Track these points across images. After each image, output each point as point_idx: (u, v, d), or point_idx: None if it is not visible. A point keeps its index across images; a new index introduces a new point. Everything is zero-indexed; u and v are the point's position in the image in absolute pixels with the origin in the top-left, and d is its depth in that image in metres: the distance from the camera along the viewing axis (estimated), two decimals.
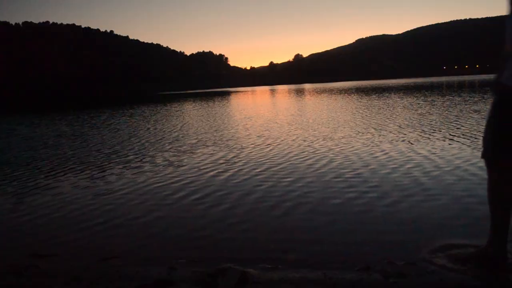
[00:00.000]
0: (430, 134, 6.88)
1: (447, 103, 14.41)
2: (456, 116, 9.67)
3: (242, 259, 2.27)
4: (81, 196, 3.97)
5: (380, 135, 7.16)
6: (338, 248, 2.40)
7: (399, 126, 8.25)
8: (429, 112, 11.02)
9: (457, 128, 7.47)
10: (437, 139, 6.32)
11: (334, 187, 3.77)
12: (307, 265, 2.17)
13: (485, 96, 17.17)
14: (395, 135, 7.03)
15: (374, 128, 8.15)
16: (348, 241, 2.49)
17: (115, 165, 5.63)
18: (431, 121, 8.81)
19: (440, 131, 7.24)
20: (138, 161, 5.84)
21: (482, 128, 7.11)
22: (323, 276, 2.01)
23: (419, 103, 15.07)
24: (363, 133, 7.56)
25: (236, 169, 4.84)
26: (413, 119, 9.57)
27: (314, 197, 3.50)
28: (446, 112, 10.95)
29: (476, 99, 15.60)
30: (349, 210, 3.09)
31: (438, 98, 17.40)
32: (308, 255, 2.31)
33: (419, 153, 5.24)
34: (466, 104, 13.08)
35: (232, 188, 3.97)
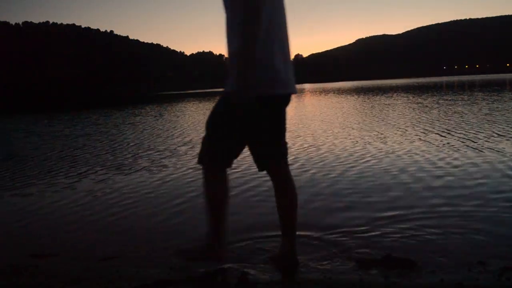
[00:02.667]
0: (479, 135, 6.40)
1: (463, 102, 14.38)
2: (488, 114, 9.62)
3: (242, 259, 2.27)
4: (83, 196, 3.96)
5: (418, 133, 6.90)
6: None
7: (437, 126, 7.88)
8: (457, 112, 10.66)
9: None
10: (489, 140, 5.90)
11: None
12: (307, 265, 2.17)
13: (500, 94, 17.28)
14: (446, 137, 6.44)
15: (408, 127, 7.92)
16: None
17: (130, 166, 5.50)
18: (469, 122, 8.43)
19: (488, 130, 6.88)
20: (166, 160, 5.68)
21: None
22: (323, 276, 2.01)
23: (443, 102, 15.02)
24: (405, 133, 7.17)
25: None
26: (450, 119, 9.11)
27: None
28: (477, 110, 10.90)
29: (493, 98, 15.61)
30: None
31: (454, 97, 17.38)
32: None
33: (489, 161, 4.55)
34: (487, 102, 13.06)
35: (255, 188, 3.86)
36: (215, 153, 1.96)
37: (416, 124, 8.41)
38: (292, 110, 15.51)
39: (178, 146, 7.07)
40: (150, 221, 3.11)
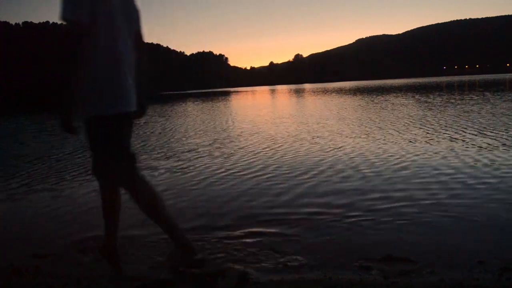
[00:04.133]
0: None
1: (473, 101, 14.40)
2: (504, 114, 9.56)
3: (242, 259, 2.27)
4: (85, 196, 3.96)
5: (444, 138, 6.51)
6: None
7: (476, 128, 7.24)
8: (472, 111, 10.56)
9: None
10: None
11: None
12: (307, 265, 2.17)
13: (509, 94, 17.36)
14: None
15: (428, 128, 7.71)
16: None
17: (148, 167, 5.40)
18: (489, 121, 8.28)
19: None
20: (185, 163, 5.49)
21: None
22: (323, 276, 2.01)
23: (451, 101, 15.02)
24: (429, 133, 7.00)
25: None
26: (469, 118, 8.92)
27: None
28: (491, 109, 10.85)
29: (503, 97, 15.62)
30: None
31: (463, 97, 17.41)
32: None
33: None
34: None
35: (262, 191, 3.80)
36: (123, 165, 2.09)
37: (436, 124, 8.27)
38: (300, 111, 15.44)
39: (187, 148, 6.94)
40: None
